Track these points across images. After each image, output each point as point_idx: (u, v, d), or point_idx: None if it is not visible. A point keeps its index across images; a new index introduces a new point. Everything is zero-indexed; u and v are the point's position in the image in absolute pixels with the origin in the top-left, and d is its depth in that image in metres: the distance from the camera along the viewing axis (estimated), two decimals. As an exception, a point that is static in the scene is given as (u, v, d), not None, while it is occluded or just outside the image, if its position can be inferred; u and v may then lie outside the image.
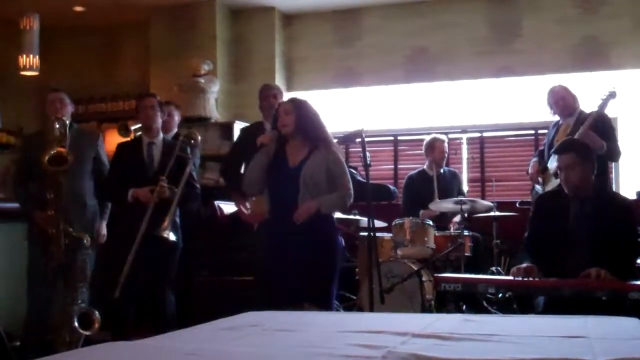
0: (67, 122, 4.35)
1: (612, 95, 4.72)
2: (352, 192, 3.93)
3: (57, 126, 4.24)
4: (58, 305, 4.33)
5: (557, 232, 3.63)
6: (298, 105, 3.94)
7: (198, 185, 4.69)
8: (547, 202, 3.87)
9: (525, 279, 3.47)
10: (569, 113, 5.00)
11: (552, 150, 3.76)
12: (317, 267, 3.79)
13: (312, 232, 3.79)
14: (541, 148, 5.37)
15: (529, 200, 5.61)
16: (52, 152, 4.13)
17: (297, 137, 3.90)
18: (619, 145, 4.96)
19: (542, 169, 5.06)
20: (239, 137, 5.22)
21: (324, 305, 3.77)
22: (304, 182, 3.82)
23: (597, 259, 3.43)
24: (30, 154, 4.43)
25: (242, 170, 4.74)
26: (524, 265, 3.53)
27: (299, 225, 3.78)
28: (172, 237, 4.25)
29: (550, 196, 3.92)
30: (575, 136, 4.61)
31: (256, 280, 4.67)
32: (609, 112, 4.98)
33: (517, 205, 5.78)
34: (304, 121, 3.89)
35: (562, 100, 4.97)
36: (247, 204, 4.76)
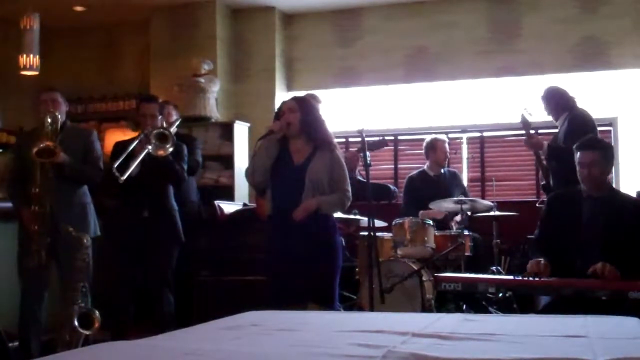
0: (60, 118, 4.30)
1: (524, 119, 5.05)
2: (350, 194, 3.93)
3: (49, 121, 4.22)
4: (53, 305, 4.32)
5: (569, 231, 3.63)
6: (302, 104, 3.95)
7: (184, 167, 4.63)
8: (559, 201, 3.85)
9: (530, 278, 3.47)
10: (554, 118, 5.14)
11: (575, 145, 3.74)
12: (319, 267, 3.79)
13: (313, 232, 3.80)
14: None
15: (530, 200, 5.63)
16: (41, 146, 4.11)
17: (301, 136, 3.90)
18: None
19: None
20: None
21: (327, 304, 3.77)
22: (310, 180, 3.82)
23: (608, 258, 3.43)
24: (23, 152, 4.41)
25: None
26: (538, 260, 3.51)
27: (300, 224, 3.78)
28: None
29: (563, 195, 3.91)
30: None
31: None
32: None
33: (537, 205, 5.73)
34: (309, 120, 3.89)
35: (544, 109, 5.11)
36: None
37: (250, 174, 3.98)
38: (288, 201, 3.82)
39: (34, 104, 4.49)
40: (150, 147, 4.31)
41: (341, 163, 3.93)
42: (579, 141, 3.76)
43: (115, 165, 4.22)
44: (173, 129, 4.72)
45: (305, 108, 3.92)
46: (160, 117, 4.58)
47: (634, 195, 5.84)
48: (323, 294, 3.81)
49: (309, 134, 3.89)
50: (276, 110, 4.29)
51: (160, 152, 4.33)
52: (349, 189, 3.92)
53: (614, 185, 6.13)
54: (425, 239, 5.31)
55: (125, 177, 4.21)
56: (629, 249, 3.50)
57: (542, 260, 3.51)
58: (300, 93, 5.45)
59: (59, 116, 4.30)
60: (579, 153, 3.69)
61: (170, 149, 4.35)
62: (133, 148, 4.34)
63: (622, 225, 3.55)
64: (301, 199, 3.80)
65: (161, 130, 4.37)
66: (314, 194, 3.81)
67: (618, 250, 3.48)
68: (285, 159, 3.90)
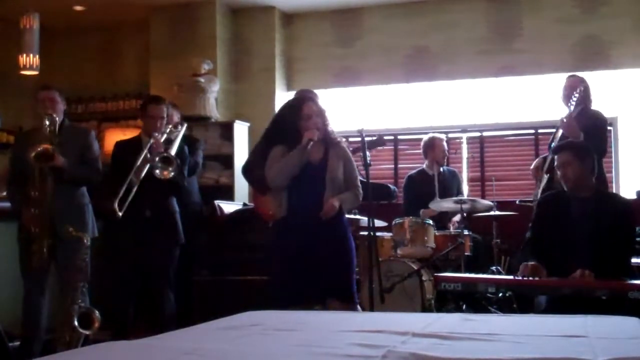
0: (58, 119, 4.26)
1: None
2: (361, 190, 4.01)
3: (47, 123, 4.19)
4: (53, 305, 4.31)
5: (558, 233, 3.68)
6: (319, 106, 4.02)
7: (185, 172, 4.66)
8: (548, 204, 3.92)
9: (529, 278, 3.49)
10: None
11: (551, 150, 3.85)
12: (339, 263, 3.83)
13: (333, 229, 3.86)
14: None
15: (528, 199, 5.62)
16: (39, 149, 4.09)
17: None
18: (605, 146, 4.90)
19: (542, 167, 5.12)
20: (264, 138, 5.07)
21: (349, 300, 3.79)
22: (330, 179, 3.88)
23: (596, 258, 3.46)
24: (20, 153, 4.40)
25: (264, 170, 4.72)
26: (531, 263, 3.55)
27: (319, 222, 3.81)
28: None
29: (552, 198, 3.97)
30: (561, 124, 4.68)
31: (270, 279, 4.67)
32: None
33: (517, 202, 5.78)
34: (324, 121, 3.97)
35: (569, 89, 5.00)
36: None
37: (275, 180, 3.97)
38: (308, 200, 3.86)
39: (33, 102, 4.45)
40: (157, 171, 4.36)
41: (351, 159, 4.01)
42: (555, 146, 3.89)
43: (116, 203, 4.27)
44: (180, 135, 4.70)
45: (322, 110, 3.99)
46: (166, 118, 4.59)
47: (634, 194, 5.87)
48: (345, 290, 3.84)
49: (323, 134, 3.94)
50: (291, 111, 4.24)
51: (165, 174, 4.38)
52: (359, 183, 4.01)
53: (613, 185, 6.19)
54: (425, 238, 5.31)
55: (122, 212, 4.30)
56: (617, 248, 3.55)
57: (532, 262, 3.54)
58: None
59: (57, 118, 4.27)
60: (555, 156, 3.82)
61: (173, 173, 4.38)
62: (137, 167, 4.36)
63: (608, 224, 3.60)
64: (321, 197, 3.86)
65: (165, 154, 4.41)
66: (333, 192, 3.86)
67: (607, 248, 3.52)
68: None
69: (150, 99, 4.79)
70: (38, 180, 4.14)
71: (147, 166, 4.37)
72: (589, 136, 4.52)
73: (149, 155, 4.40)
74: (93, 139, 4.53)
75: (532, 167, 5.31)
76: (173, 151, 4.50)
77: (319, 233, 3.82)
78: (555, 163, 3.82)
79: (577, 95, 4.68)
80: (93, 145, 4.49)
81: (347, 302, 3.78)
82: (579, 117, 4.76)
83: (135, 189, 4.35)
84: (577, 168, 3.69)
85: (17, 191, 4.34)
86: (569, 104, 4.72)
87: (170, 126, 4.72)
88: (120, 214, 4.28)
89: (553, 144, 4.87)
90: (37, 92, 4.43)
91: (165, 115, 4.54)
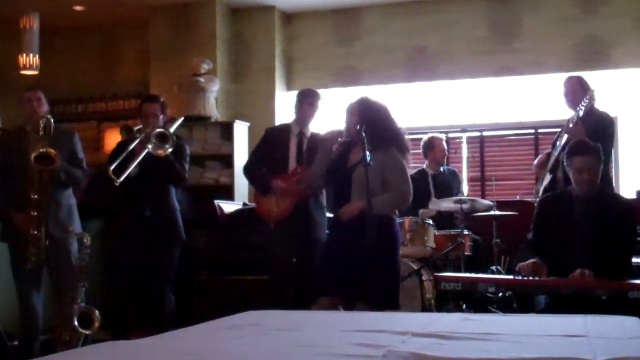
0: (52, 119, 4.23)
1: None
2: (407, 193, 3.96)
3: (42, 125, 4.15)
4: (52, 305, 4.31)
5: (560, 232, 3.67)
6: (362, 107, 3.98)
7: (186, 166, 4.64)
8: (550, 204, 3.90)
9: (531, 277, 3.49)
10: (575, 107, 5.01)
11: (569, 150, 3.77)
12: (381, 267, 3.76)
13: (374, 231, 3.77)
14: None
15: (529, 198, 5.62)
16: (41, 151, 4.07)
17: (358, 139, 3.93)
18: (610, 150, 4.89)
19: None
20: (264, 138, 4.98)
21: (377, 305, 3.73)
22: (356, 183, 3.88)
23: (597, 258, 3.46)
24: (5, 152, 4.38)
25: (263, 169, 4.74)
26: (532, 261, 3.55)
27: (355, 225, 3.81)
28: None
29: (554, 197, 3.96)
30: (568, 129, 4.66)
31: (271, 279, 4.69)
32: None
33: (518, 197, 5.78)
34: (366, 123, 3.88)
35: (571, 94, 4.97)
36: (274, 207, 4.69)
37: (312, 179, 4.20)
38: (342, 203, 3.93)
39: (18, 102, 4.42)
40: (150, 146, 4.31)
41: (395, 162, 3.96)
42: (570, 146, 3.82)
43: (112, 168, 4.21)
44: (174, 129, 4.72)
45: (363, 111, 3.94)
46: (162, 117, 4.58)
47: (634, 194, 5.87)
48: (374, 294, 3.75)
49: (361, 137, 3.86)
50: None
51: (160, 152, 4.34)
52: (406, 187, 3.96)
53: (613, 185, 6.18)
54: (425, 238, 5.31)
55: (121, 179, 4.23)
56: (619, 247, 3.55)
57: (534, 260, 3.54)
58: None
59: (51, 119, 4.25)
60: (575, 158, 3.71)
61: (170, 150, 4.35)
62: (132, 148, 4.34)
63: (610, 225, 3.60)
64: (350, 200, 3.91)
65: (162, 130, 4.38)
66: (362, 195, 3.83)
67: (608, 248, 3.52)
68: (342, 162, 4.00)
69: (145, 97, 4.81)
70: (37, 182, 4.13)
71: (145, 151, 4.33)
72: (596, 137, 4.51)
73: (144, 135, 4.35)
74: (78, 140, 4.52)
75: (535, 163, 5.30)
76: (172, 129, 4.50)
77: (356, 235, 3.79)
78: (574, 165, 3.71)
79: (586, 101, 4.66)
80: (79, 147, 4.49)
81: (375, 307, 3.68)
82: (586, 117, 4.75)
83: (133, 165, 4.29)
84: (597, 171, 3.67)
85: (1, 192, 4.32)
86: (577, 109, 4.70)
87: (167, 118, 4.74)
88: (118, 181, 4.21)
89: (558, 144, 4.87)
90: (24, 93, 4.41)
91: (159, 113, 4.54)
